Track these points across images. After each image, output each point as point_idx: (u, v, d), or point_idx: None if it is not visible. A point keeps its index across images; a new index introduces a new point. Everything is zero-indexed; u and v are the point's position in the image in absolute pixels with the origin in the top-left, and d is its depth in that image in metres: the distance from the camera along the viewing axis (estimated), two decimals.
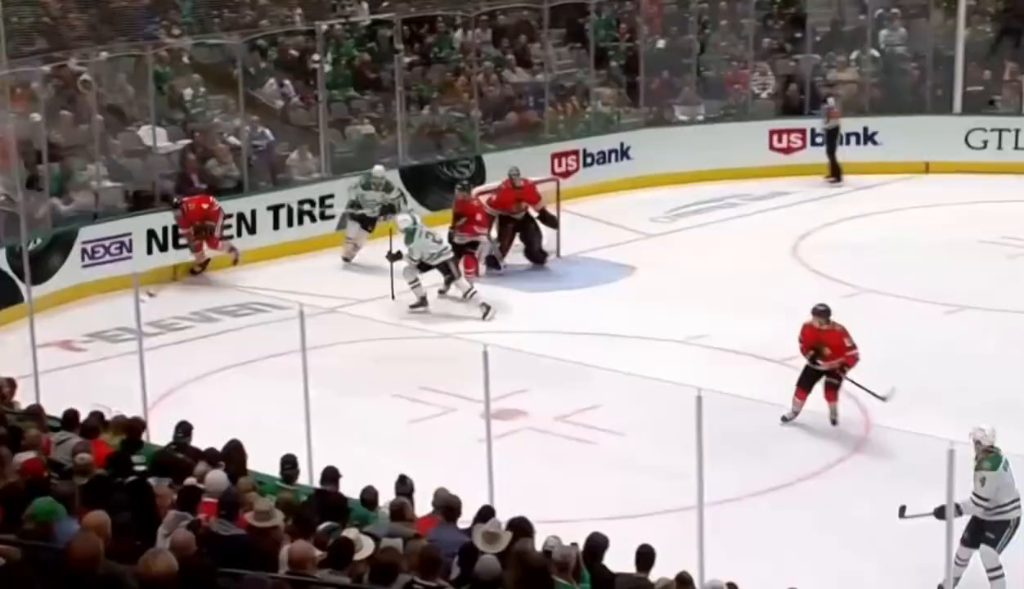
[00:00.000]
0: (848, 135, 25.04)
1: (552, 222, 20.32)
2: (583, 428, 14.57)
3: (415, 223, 18.61)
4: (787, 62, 26.48)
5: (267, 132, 22.18)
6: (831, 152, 24.32)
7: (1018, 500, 11.11)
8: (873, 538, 11.90)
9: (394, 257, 18.57)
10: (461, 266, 18.86)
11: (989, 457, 11.09)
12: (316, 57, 22.98)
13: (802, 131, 25.19)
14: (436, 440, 14.22)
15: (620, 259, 20.35)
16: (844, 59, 26.45)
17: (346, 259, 20.58)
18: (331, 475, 10.56)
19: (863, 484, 13.14)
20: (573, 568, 8.81)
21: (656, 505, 12.45)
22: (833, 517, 12.54)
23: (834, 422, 14.74)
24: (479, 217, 19.39)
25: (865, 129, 25.11)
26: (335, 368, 15.01)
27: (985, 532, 11.04)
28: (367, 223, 20.68)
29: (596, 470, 13.48)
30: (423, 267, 18.38)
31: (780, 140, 25.25)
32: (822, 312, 14.89)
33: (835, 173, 24.27)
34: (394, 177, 22.44)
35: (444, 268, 18.52)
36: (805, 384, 14.74)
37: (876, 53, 26.36)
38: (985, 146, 24.75)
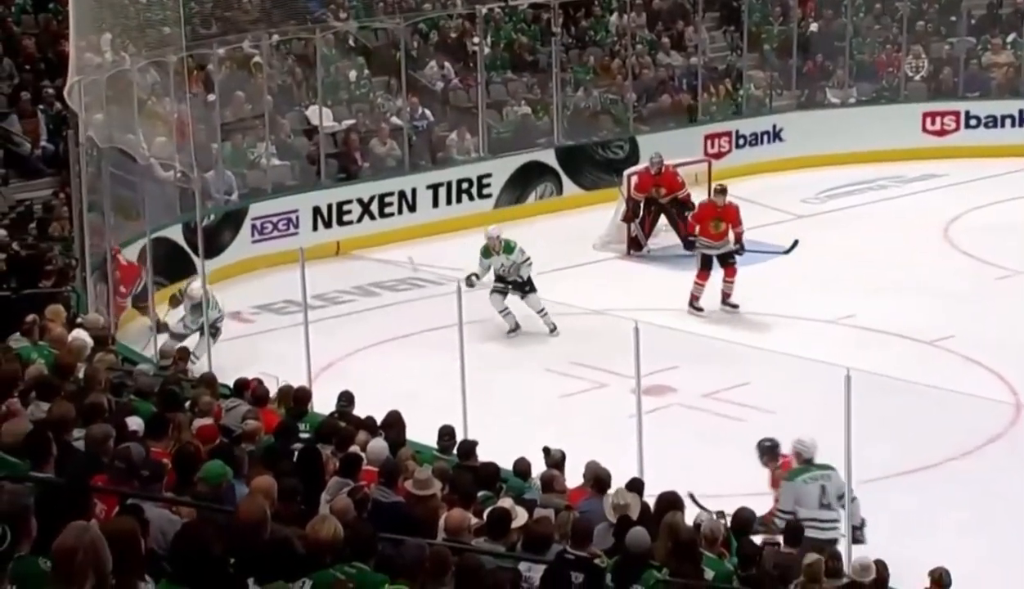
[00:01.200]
0: (1003, 118, 24.50)
1: (686, 208, 19.82)
2: (732, 405, 14.48)
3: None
4: (941, 45, 25.98)
5: (427, 113, 22.36)
6: None
7: (816, 522, 10.21)
8: None
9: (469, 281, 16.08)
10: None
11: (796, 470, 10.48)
12: (475, 40, 23.11)
13: (956, 114, 24.71)
14: (587, 414, 14.24)
15: (772, 239, 20.12)
16: (999, 41, 25.86)
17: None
18: (467, 449, 10.58)
19: (1015, 464, 12.88)
20: (721, 542, 8.81)
21: None
22: (986, 496, 12.32)
23: (734, 306, 15.93)
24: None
25: (1020, 112, 24.52)
26: (490, 343, 15.11)
27: None
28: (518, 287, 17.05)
29: (744, 447, 13.37)
30: (503, 284, 16.82)
31: (933, 123, 24.76)
32: (721, 191, 17.31)
33: None
34: (550, 157, 22.54)
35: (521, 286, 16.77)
36: (708, 266, 16.96)
37: None
38: None
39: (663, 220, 20.02)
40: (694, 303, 17.24)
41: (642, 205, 19.85)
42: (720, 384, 14.84)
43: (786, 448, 11.08)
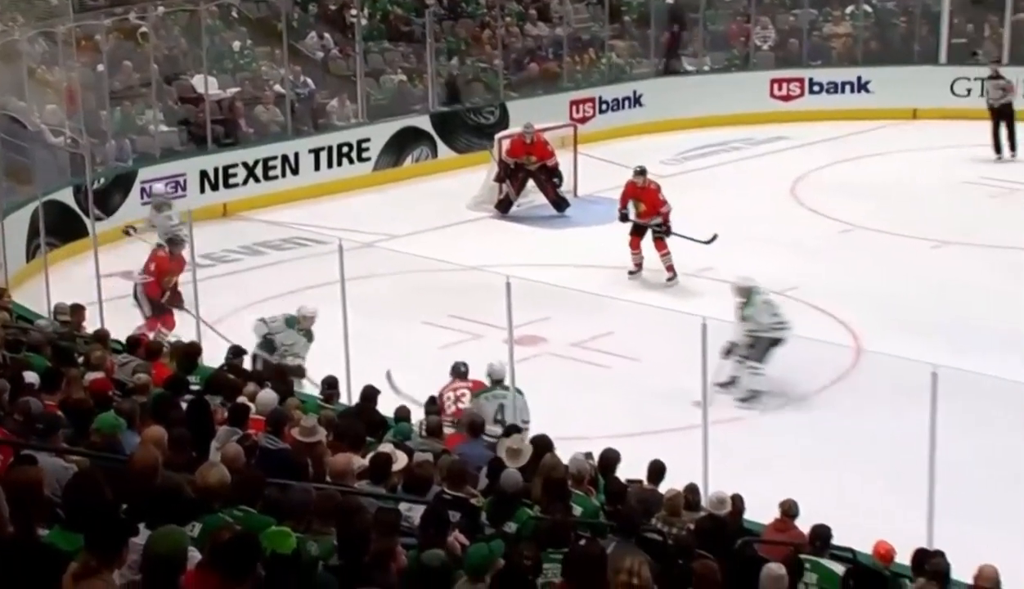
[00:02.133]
0: (843, 84, 24.88)
1: (554, 175, 19.72)
2: (599, 353, 14.56)
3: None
4: (786, 16, 26.26)
5: (309, 81, 22.09)
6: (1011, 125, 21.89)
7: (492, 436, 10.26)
8: (866, 453, 11.89)
9: None
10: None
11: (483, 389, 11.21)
12: (353, 12, 22.88)
13: (800, 80, 25.06)
14: (474, 364, 14.18)
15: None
16: (839, 13, 26.19)
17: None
18: (370, 394, 10.58)
19: (855, 404, 13.10)
20: (588, 480, 8.84)
21: (665, 424, 12.45)
22: (829, 432, 12.51)
23: (670, 279, 16.10)
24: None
25: (859, 78, 24.93)
26: (371, 297, 14.98)
27: None
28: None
29: (610, 392, 13.48)
30: None
31: (780, 89, 25.08)
32: (641, 172, 16.90)
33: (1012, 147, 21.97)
34: (425, 123, 22.40)
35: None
36: (637, 234, 16.70)
37: (868, 8, 26.15)
38: (969, 94, 24.46)
39: (531, 183, 20.00)
40: (634, 270, 16.94)
41: (512, 167, 19.81)
42: (587, 334, 14.90)
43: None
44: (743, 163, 22.48)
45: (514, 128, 21.08)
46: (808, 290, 15.87)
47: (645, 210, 16.87)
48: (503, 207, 19.68)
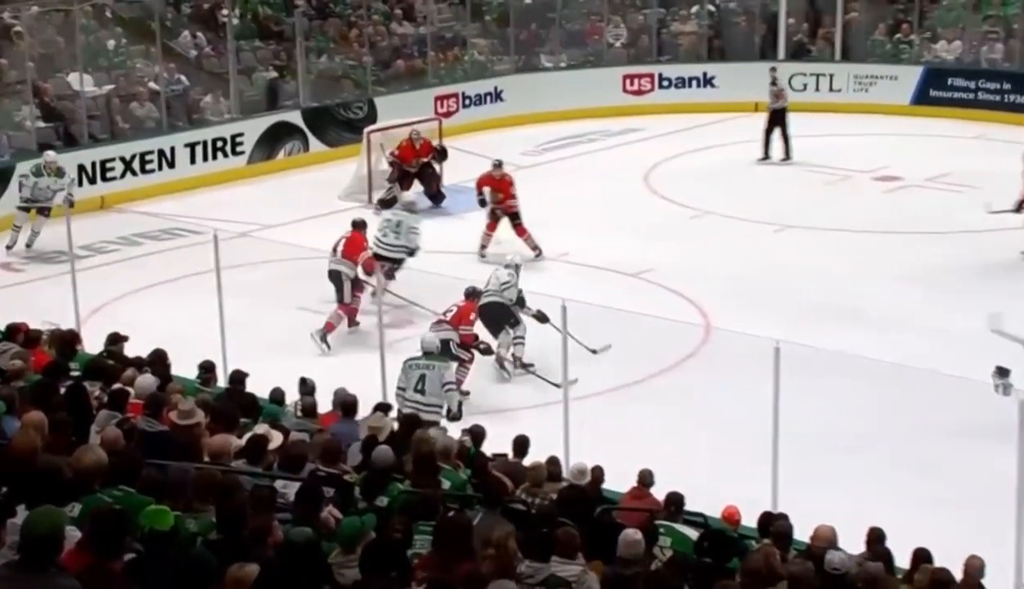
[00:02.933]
0: (690, 79, 25.17)
1: (443, 155, 19.97)
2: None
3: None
4: (637, 16, 26.47)
5: (183, 78, 21.70)
6: (784, 130, 21.83)
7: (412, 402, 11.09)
8: (716, 424, 12.05)
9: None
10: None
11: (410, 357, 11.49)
12: (224, 11, 22.53)
13: (650, 76, 25.28)
14: (339, 347, 14.09)
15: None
16: (685, 13, 26.48)
17: (8, 247, 17.35)
18: (238, 377, 10.40)
19: (706, 378, 13.24)
20: (456, 454, 8.82)
21: (530, 400, 12.49)
22: (681, 407, 12.64)
23: (537, 254, 16.55)
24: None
25: (704, 73, 25.23)
26: (246, 285, 14.78)
27: None
28: (45, 212, 17.39)
29: (478, 371, 13.45)
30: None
31: (632, 84, 25.28)
32: (498, 164, 17.25)
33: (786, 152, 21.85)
34: (296, 118, 22.18)
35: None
36: (492, 220, 17.04)
37: (712, 7, 26.44)
38: (805, 88, 24.94)
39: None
40: (482, 250, 17.07)
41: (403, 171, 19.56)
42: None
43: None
44: (599, 154, 22.62)
45: (384, 122, 21.02)
46: (661, 272, 16.04)
47: (502, 199, 17.03)
48: (386, 205, 19.31)
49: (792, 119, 21.75)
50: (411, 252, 15.45)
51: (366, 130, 20.54)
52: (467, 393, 12.67)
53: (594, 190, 20.03)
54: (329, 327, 14.13)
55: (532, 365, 13.30)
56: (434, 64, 24.39)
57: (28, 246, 17.36)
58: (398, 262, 15.44)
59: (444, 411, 11.48)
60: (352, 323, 14.45)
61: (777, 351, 9.14)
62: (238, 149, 21.41)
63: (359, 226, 14.88)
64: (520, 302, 13.67)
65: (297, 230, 18.06)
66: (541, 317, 13.14)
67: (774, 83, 21.96)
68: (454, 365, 11.52)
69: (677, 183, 20.31)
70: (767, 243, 17.51)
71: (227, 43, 22.14)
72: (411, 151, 19.57)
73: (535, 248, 16.91)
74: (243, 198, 19.99)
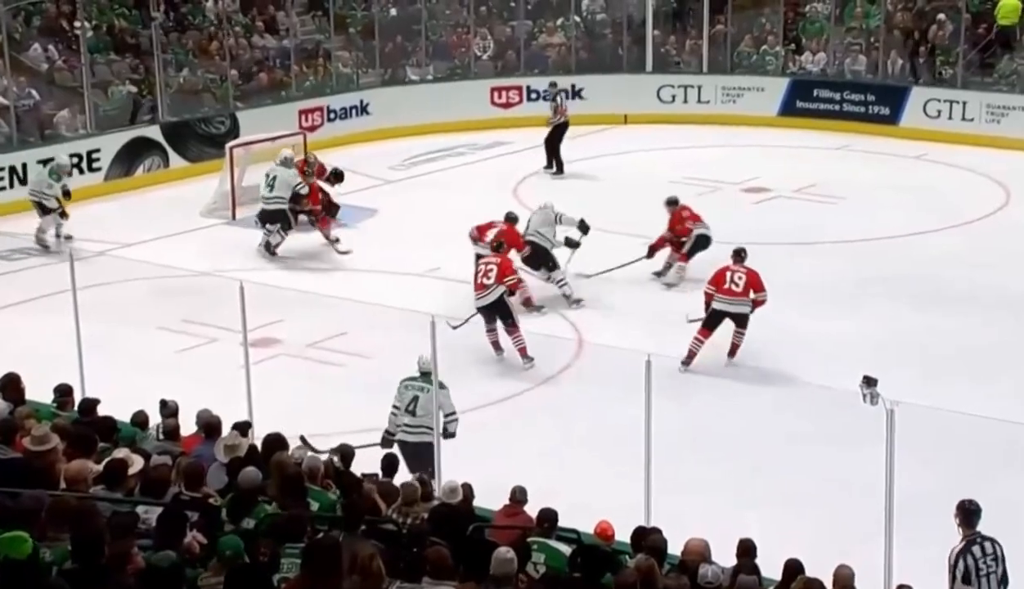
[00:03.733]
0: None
1: (339, 178, 19.46)
2: (334, 353, 14.44)
3: None
4: (504, 28, 26.60)
5: (33, 92, 21.23)
6: (556, 145, 22.32)
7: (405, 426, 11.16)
8: (589, 438, 12.13)
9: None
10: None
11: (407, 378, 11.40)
12: (77, 24, 22.09)
13: (519, 88, 25.41)
14: (200, 367, 13.89)
15: (363, 203, 20.19)
16: (552, 24, 26.68)
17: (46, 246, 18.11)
18: (87, 407, 10.09)
19: (578, 392, 13.34)
20: (323, 475, 8.75)
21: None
22: (555, 422, 12.71)
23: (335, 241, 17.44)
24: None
25: (573, 86, 25.42)
26: (105, 305, 14.51)
27: None
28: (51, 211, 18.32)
29: (346, 389, 13.39)
30: None
31: (500, 96, 25.41)
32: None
33: (559, 167, 22.34)
34: (155, 133, 21.88)
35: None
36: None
37: (579, 19, 26.69)
38: (673, 100, 25.37)
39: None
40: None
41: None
42: (322, 334, 14.75)
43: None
44: (467, 167, 22.69)
45: (247, 136, 20.85)
46: (531, 286, 16.10)
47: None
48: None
49: (661, 131, 22.03)
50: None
51: (228, 145, 20.37)
52: (532, 360, 14.01)
53: (463, 204, 20.05)
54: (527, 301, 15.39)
55: (582, 301, 15.63)
56: (298, 77, 24.24)
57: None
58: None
59: (438, 432, 10.82)
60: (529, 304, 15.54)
61: (648, 364, 9.24)
62: (95, 165, 21.05)
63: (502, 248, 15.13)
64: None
65: (157, 248, 17.80)
66: (571, 243, 16.10)
67: (553, 99, 22.30)
68: (448, 391, 11.07)
69: (547, 196, 20.34)
70: (636, 255, 17.68)
71: (80, 56, 21.73)
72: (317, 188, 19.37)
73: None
74: (101, 215, 19.64)
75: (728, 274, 14.15)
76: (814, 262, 17.35)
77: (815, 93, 24.94)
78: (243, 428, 9.56)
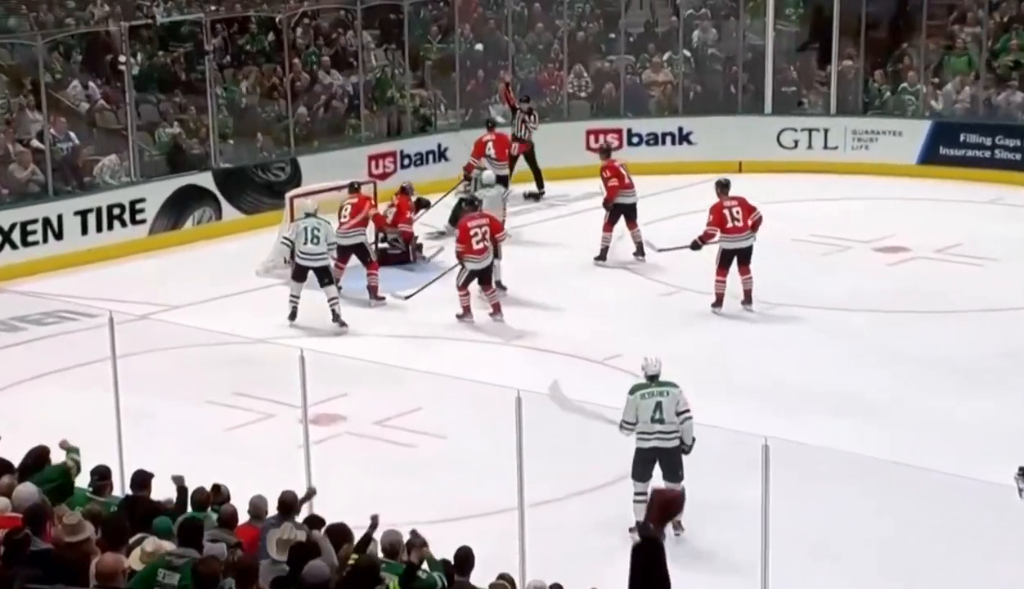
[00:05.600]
0: (664, 135, 25.42)
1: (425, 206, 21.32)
2: (404, 432, 14.50)
3: None
4: (602, 63, 26.70)
5: (72, 135, 21.61)
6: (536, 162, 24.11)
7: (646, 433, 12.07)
8: (697, 522, 12.06)
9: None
10: None
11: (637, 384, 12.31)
12: (122, 58, 22.40)
13: (618, 131, 25.42)
14: (254, 446, 14.02)
15: (440, 260, 20.20)
16: (658, 60, 26.73)
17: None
18: (141, 480, 10.27)
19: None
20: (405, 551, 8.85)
21: (478, 507, 12.43)
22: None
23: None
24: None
25: (680, 129, 25.47)
26: (148, 376, 14.70)
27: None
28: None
29: (417, 473, 13.43)
30: None
31: (597, 140, 25.35)
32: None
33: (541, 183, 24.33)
34: (207, 180, 22.20)
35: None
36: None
37: (688, 53, 26.70)
38: (796, 146, 25.30)
39: None
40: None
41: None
42: (391, 410, 14.83)
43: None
44: (558, 221, 22.76)
45: (309, 185, 21.04)
46: (633, 358, 16.02)
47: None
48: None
49: (781, 180, 21.97)
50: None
51: (288, 194, 20.51)
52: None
53: (556, 262, 20.17)
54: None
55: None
56: (367, 118, 24.51)
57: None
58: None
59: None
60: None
61: (766, 449, 9.17)
62: (138, 217, 21.39)
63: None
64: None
65: (207, 311, 18.04)
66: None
67: (529, 113, 23.43)
68: (681, 390, 12.27)
69: (648, 255, 20.35)
70: (747, 320, 17.62)
71: (125, 94, 22.12)
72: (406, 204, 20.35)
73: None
74: (144, 274, 19.96)
75: (726, 212, 17.85)
76: (957, 332, 17.15)
77: (962, 138, 24.68)
78: (314, 523, 9.62)
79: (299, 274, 17.94)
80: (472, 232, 17.51)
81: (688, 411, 12.01)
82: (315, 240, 17.82)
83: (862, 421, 14.15)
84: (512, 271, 19.47)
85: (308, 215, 18.03)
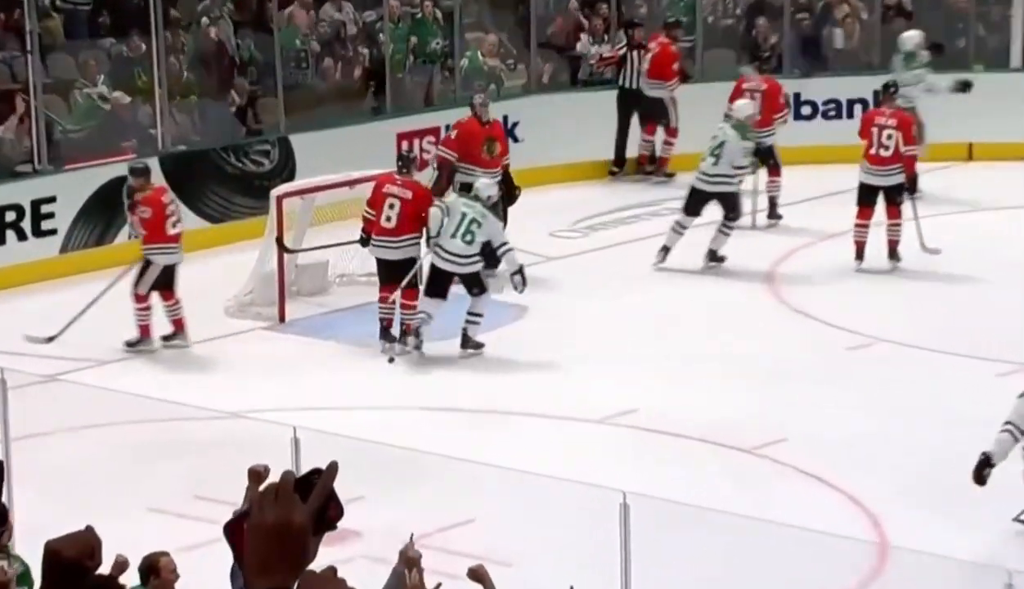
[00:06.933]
0: None
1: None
2: (447, 555, 14.51)
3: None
4: None
5: None
6: None
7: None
8: None
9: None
10: None
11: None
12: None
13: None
14: (221, 578, 14.13)
15: (505, 294, 20.13)
16: None
17: None
18: None
19: None
20: None
21: None
22: None
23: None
24: None
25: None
26: (58, 468, 14.88)
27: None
28: None
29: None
30: None
31: None
32: (482, 104, 21.56)
33: None
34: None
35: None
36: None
37: None
38: None
39: None
40: None
41: None
42: (429, 522, 14.82)
43: None
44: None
45: (302, 180, 21.17)
46: (797, 444, 16.13)
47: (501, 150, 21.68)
48: None
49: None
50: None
51: (275, 193, 20.32)
52: None
53: (663, 298, 20.23)
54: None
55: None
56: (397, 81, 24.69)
57: None
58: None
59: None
60: None
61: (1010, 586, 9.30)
62: (44, 226, 21.40)
63: None
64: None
65: (151, 369, 18.29)
66: None
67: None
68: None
69: (807, 290, 20.40)
70: (978, 399, 17.45)
71: (25, 35, 22.11)
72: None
73: None
74: (51, 311, 20.09)
75: (876, 130, 19.71)
76: None
77: None
78: None
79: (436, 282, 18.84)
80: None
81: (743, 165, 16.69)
82: (469, 236, 18.30)
83: None
84: (614, 314, 19.60)
85: (476, 198, 18.84)
